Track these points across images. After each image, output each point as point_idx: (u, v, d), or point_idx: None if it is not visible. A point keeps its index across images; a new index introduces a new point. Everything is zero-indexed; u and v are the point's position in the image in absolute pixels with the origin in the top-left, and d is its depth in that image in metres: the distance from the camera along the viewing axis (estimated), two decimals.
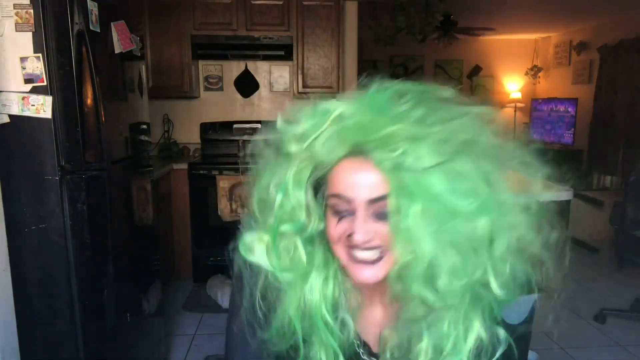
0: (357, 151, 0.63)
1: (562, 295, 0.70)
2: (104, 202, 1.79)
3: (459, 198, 0.58)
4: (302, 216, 0.68)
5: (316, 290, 0.70)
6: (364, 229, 0.63)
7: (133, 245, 2.11)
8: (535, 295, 0.84)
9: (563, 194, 2.30)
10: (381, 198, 0.62)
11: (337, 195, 0.65)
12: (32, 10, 1.58)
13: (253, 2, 3.57)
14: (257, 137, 0.74)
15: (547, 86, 6.82)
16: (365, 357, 0.76)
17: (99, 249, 1.78)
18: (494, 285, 0.61)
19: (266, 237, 0.69)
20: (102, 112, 1.73)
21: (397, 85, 0.65)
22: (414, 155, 0.59)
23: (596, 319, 2.95)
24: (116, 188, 1.93)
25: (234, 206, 3.44)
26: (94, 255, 1.76)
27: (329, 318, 0.70)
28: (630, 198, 2.98)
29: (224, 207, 3.42)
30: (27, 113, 1.62)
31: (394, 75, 0.68)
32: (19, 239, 1.69)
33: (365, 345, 0.77)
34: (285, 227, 0.68)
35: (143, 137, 2.27)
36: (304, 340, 0.72)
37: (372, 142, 0.61)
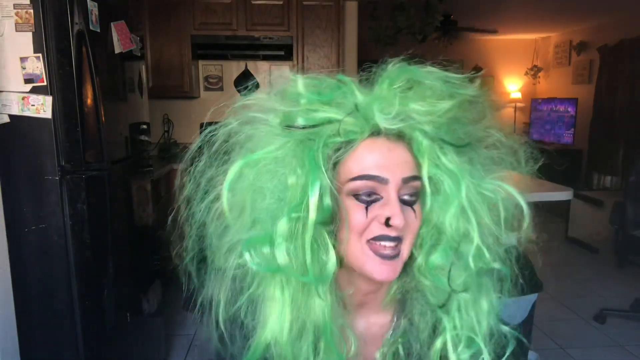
0: (382, 131, 0.58)
1: (557, 291, 0.71)
2: (104, 202, 1.79)
3: (480, 178, 0.60)
4: (327, 202, 0.56)
5: (316, 296, 0.59)
6: (400, 210, 0.57)
7: (133, 245, 2.11)
8: (535, 296, 0.84)
9: (563, 194, 2.31)
10: (412, 178, 0.58)
11: (368, 177, 0.57)
12: (32, 10, 1.58)
13: (253, 2, 3.57)
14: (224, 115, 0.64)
15: (547, 86, 6.82)
16: None
17: (99, 249, 1.78)
18: (496, 262, 0.61)
19: (284, 236, 0.55)
20: (102, 112, 1.73)
21: (424, 66, 0.61)
22: (451, 134, 0.58)
23: (596, 319, 2.95)
24: (116, 188, 1.93)
25: None
26: (94, 255, 1.76)
27: (335, 328, 0.60)
28: (630, 198, 2.98)
29: None
30: (27, 113, 1.62)
31: None
32: (19, 239, 1.69)
33: None
34: (314, 217, 0.55)
35: (143, 137, 2.27)
36: None
37: (422, 114, 0.57)
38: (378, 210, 0.58)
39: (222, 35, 3.60)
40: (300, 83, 0.60)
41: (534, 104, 6.45)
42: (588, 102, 5.63)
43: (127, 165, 2.04)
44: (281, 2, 3.58)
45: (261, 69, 4.05)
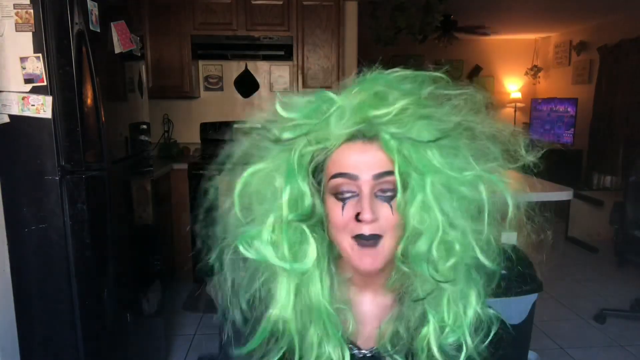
0: (358, 134, 0.65)
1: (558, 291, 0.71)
2: (104, 202, 1.79)
3: (457, 170, 0.63)
4: (308, 201, 0.67)
5: (316, 281, 0.68)
6: (371, 206, 0.63)
7: (133, 245, 2.11)
8: (535, 296, 0.84)
9: (563, 194, 2.31)
10: (385, 174, 0.64)
11: (340, 175, 0.65)
12: (32, 10, 1.58)
13: (253, 2, 3.57)
14: (235, 133, 0.74)
15: (547, 86, 6.82)
16: (353, 350, 0.74)
17: (99, 249, 1.78)
18: (481, 256, 0.64)
19: (269, 231, 0.66)
20: (102, 112, 1.73)
21: (396, 71, 0.68)
22: (417, 132, 0.62)
23: (596, 319, 2.95)
24: (116, 188, 1.93)
25: None
26: (94, 255, 1.76)
27: (331, 309, 0.68)
28: (630, 198, 2.98)
29: None
30: (27, 113, 1.62)
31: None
32: (19, 239, 1.70)
33: (351, 342, 0.75)
34: (292, 215, 0.66)
35: (143, 137, 2.27)
36: (300, 341, 0.69)
37: (381, 117, 0.63)
38: (352, 208, 0.65)
39: (222, 35, 3.60)
40: (278, 107, 0.68)
41: (534, 104, 6.45)
42: (588, 102, 5.63)
43: (127, 165, 2.04)
44: (281, 2, 3.58)
45: (261, 69, 4.05)
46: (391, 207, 0.64)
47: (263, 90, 4.07)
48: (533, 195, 2.45)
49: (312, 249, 0.67)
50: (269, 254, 0.66)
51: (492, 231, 0.65)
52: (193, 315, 3.05)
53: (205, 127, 3.92)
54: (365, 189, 0.64)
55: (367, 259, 0.65)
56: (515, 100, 6.91)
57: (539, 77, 6.98)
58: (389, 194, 0.64)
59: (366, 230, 0.64)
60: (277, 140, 0.67)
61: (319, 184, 0.68)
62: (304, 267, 0.67)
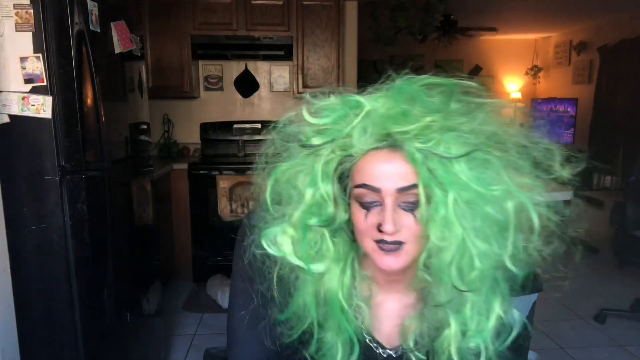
0: (385, 143, 0.65)
1: (565, 290, 0.71)
2: (104, 202, 1.79)
3: (485, 185, 0.62)
4: (330, 208, 0.68)
5: (334, 277, 0.71)
6: (393, 218, 0.64)
7: (133, 245, 2.11)
8: (535, 296, 0.85)
9: (563, 194, 2.30)
10: (409, 187, 0.64)
11: (364, 186, 0.66)
12: (32, 10, 1.58)
13: (253, 2, 3.57)
14: (270, 131, 0.74)
15: (547, 86, 6.82)
16: (377, 349, 0.77)
17: (99, 249, 1.78)
18: (509, 263, 0.64)
19: (292, 230, 0.69)
20: (102, 112, 1.73)
21: (425, 78, 0.66)
22: (444, 146, 0.62)
23: (596, 319, 2.95)
24: (116, 188, 1.92)
25: (234, 206, 3.44)
26: (94, 255, 1.76)
27: (345, 304, 0.71)
28: (630, 198, 2.98)
29: (224, 207, 3.42)
30: (27, 113, 1.62)
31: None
32: (19, 239, 1.69)
33: (374, 341, 0.78)
34: (314, 220, 0.68)
35: (143, 137, 2.27)
36: (319, 327, 0.72)
37: (405, 133, 0.63)
38: (375, 217, 0.66)
39: (222, 35, 3.60)
40: (305, 113, 0.70)
41: (534, 104, 6.45)
42: (588, 102, 5.63)
43: (127, 165, 2.04)
44: (281, 2, 3.58)
45: (261, 69, 4.05)
46: (415, 217, 0.65)
47: (263, 90, 4.07)
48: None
49: (329, 253, 0.70)
50: (288, 252, 0.70)
51: (518, 243, 0.64)
52: (193, 315, 3.05)
53: (205, 127, 3.91)
54: (388, 201, 0.64)
55: (389, 260, 0.67)
56: (515, 100, 6.91)
57: (539, 77, 6.98)
58: (412, 204, 0.65)
59: (388, 238, 0.66)
60: (305, 145, 0.69)
61: (344, 189, 0.69)
62: (319, 269, 0.70)
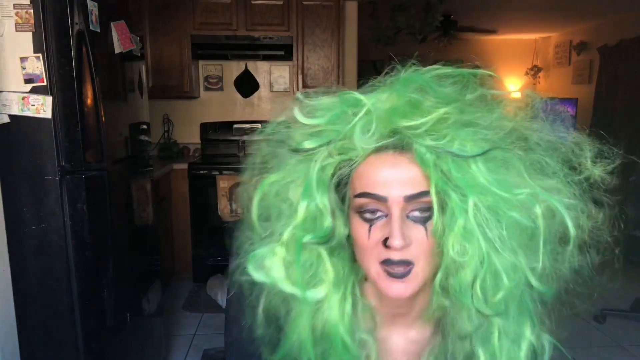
0: (390, 142, 0.55)
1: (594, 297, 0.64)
2: (104, 202, 1.79)
3: (508, 189, 0.52)
4: (328, 221, 0.57)
5: (334, 306, 0.59)
6: (402, 231, 0.53)
7: (133, 245, 2.11)
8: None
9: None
10: (419, 195, 0.54)
11: (366, 195, 0.55)
12: (32, 10, 1.58)
13: (253, 2, 3.57)
14: (256, 136, 0.65)
15: (547, 86, 6.82)
16: None
17: (99, 249, 1.78)
18: (536, 282, 0.55)
19: (283, 251, 0.58)
20: (102, 112, 1.73)
21: (436, 68, 0.57)
22: (459, 143, 0.52)
23: (596, 319, 2.95)
24: (116, 188, 1.92)
25: (234, 206, 3.44)
26: (94, 255, 1.76)
27: (348, 338, 0.59)
28: (630, 198, 2.98)
29: (223, 207, 3.42)
30: (27, 113, 1.62)
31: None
32: (19, 239, 1.69)
33: None
34: (309, 237, 0.57)
35: (143, 137, 2.27)
36: None
37: (414, 128, 0.53)
38: (381, 230, 0.56)
39: (222, 35, 3.60)
40: (296, 112, 0.60)
41: None
42: (588, 102, 5.63)
43: (127, 165, 2.04)
44: (281, 2, 3.58)
45: (261, 69, 4.05)
46: (426, 230, 0.55)
47: (263, 90, 4.07)
48: None
49: (328, 276, 0.59)
50: (279, 277, 0.58)
51: (548, 258, 0.55)
52: (193, 315, 3.05)
53: (205, 127, 3.91)
54: (396, 212, 0.54)
55: (397, 286, 0.56)
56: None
57: (539, 77, 6.98)
58: (423, 214, 0.55)
59: (395, 255, 0.55)
60: (296, 150, 0.58)
61: (342, 200, 0.59)
62: (317, 296, 0.58)
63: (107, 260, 1.83)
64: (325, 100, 0.60)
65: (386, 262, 0.55)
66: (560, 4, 4.70)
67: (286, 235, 0.58)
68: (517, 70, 7.02)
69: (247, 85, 4.03)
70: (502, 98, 0.58)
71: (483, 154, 0.52)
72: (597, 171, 0.58)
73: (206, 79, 4.05)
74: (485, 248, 0.52)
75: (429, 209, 0.54)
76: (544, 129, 0.57)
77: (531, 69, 6.98)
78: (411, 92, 0.54)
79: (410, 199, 0.54)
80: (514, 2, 4.65)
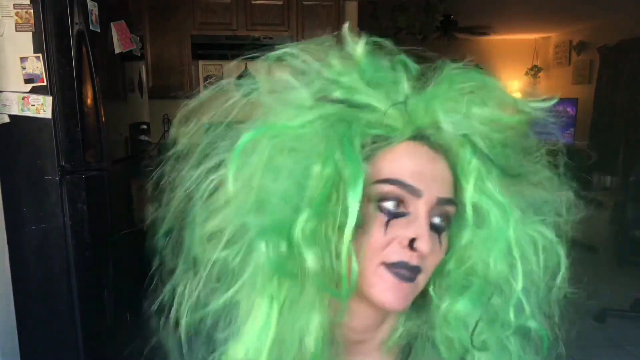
0: (424, 135, 0.49)
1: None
2: (104, 202, 1.79)
3: (530, 213, 0.49)
4: (356, 202, 0.44)
5: (314, 315, 0.46)
6: (430, 236, 0.46)
7: (133, 245, 2.11)
8: None
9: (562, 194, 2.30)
10: (449, 201, 0.48)
11: (396, 182, 0.46)
12: (32, 10, 1.58)
13: (253, 2, 3.57)
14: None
15: (547, 86, 6.82)
16: None
17: (99, 249, 1.78)
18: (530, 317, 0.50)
19: (307, 233, 0.43)
20: (102, 112, 1.73)
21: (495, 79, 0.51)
22: (503, 159, 0.48)
23: (596, 319, 2.95)
24: (116, 188, 1.92)
25: None
26: (94, 255, 1.76)
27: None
28: (630, 198, 2.98)
29: None
30: (27, 113, 1.62)
31: None
32: (19, 239, 1.69)
33: None
34: (354, 222, 0.44)
35: (143, 137, 2.27)
36: None
37: (478, 123, 0.47)
38: (400, 229, 0.46)
39: (222, 35, 3.60)
40: (358, 49, 0.48)
41: None
42: (588, 102, 5.63)
43: (127, 165, 2.04)
44: (281, 2, 3.58)
45: (261, 69, 4.04)
46: (440, 241, 0.48)
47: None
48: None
49: (354, 273, 0.46)
50: (315, 271, 0.44)
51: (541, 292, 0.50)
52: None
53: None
54: (424, 211, 0.46)
55: (399, 294, 0.46)
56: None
57: (539, 77, 6.98)
58: (444, 223, 0.48)
59: (414, 260, 0.46)
60: (323, 98, 0.46)
61: None
62: (349, 296, 0.46)
63: (107, 260, 1.83)
64: (379, 60, 0.50)
65: (398, 265, 0.46)
66: (560, 4, 4.71)
67: (311, 214, 0.43)
68: (517, 70, 7.02)
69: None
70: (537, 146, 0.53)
71: (517, 175, 0.48)
72: (570, 217, 0.53)
73: (206, 79, 4.04)
74: (520, 268, 0.47)
75: (447, 219, 0.48)
76: (540, 171, 0.53)
77: (531, 69, 6.99)
78: (473, 87, 0.48)
79: (441, 202, 0.47)
80: (514, 2, 4.65)
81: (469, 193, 0.48)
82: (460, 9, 4.65)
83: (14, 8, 1.58)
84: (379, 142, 0.47)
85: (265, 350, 0.46)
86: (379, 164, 0.47)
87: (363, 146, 0.46)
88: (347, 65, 0.48)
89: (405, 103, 0.47)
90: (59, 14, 1.61)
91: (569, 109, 5.72)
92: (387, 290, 0.46)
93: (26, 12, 1.58)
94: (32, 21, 1.59)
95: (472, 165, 0.47)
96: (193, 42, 3.61)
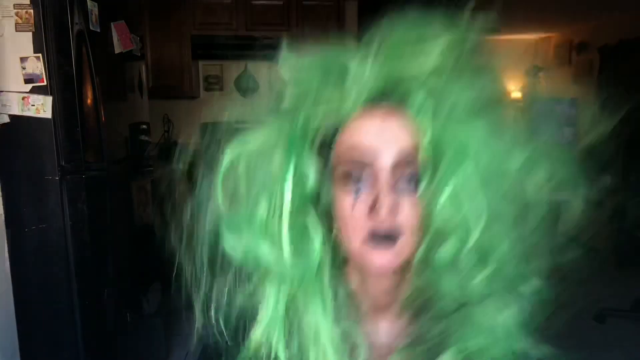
0: (378, 99, 0.50)
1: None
2: (104, 202, 1.79)
3: (506, 151, 0.48)
4: (311, 183, 0.51)
5: (316, 296, 0.52)
6: (390, 200, 0.48)
7: (133, 245, 2.11)
8: None
9: (562, 193, 2.30)
10: (410, 159, 0.49)
11: (352, 159, 0.50)
12: (32, 10, 1.58)
13: (253, 2, 3.57)
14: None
15: (547, 86, 6.82)
16: None
17: (99, 249, 1.78)
18: (526, 268, 0.51)
19: (263, 217, 0.51)
20: (102, 112, 1.73)
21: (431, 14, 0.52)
22: (461, 96, 0.48)
23: (596, 319, 2.95)
24: (116, 188, 1.92)
25: None
26: (94, 255, 1.76)
27: (335, 335, 0.52)
28: (630, 198, 2.98)
29: None
30: (27, 113, 1.62)
31: None
32: (19, 239, 1.69)
33: None
34: (296, 199, 0.50)
35: (143, 137, 2.27)
36: None
37: (413, 78, 0.49)
38: (367, 200, 0.49)
39: (222, 35, 3.60)
40: (281, 67, 0.56)
41: None
42: (588, 102, 5.63)
43: (127, 165, 2.04)
44: (281, 2, 3.58)
45: (261, 69, 4.04)
46: (414, 200, 0.49)
47: (263, 91, 4.07)
48: None
49: (315, 247, 0.52)
50: (264, 251, 0.50)
51: (542, 237, 0.50)
52: (193, 315, 3.05)
53: (205, 127, 3.91)
54: (383, 177, 0.48)
55: (382, 256, 0.50)
56: (515, 100, 6.91)
57: (539, 77, 6.98)
58: (413, 181, 0.49)
59: (382, 225, 0.49)
60: (276, 109, 0.53)
61: (324, 165, 0.53)
62: (309, 269, 0.52)
63: (107, 260, 1.83)
64: (309, 58, 0.55)
65: (372, 234, 0.50)
66: (560, 4, 4.70)
67: (268, 202, 0.50)
68: (517, 70, 7.01)
69: (247, 85, 4.03)
70: (493, 47, 0.55)
71: (487, 108, 0.48)
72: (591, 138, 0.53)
73: (206, 79, 4.04)
74: (475, 214, 0.47)
75: (417, 178, 0.49)
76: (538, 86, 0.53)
77: (531, 69, 6.99)
78: (408, 38, 0.50)
79: (398, 166, 0.49)
80: (514, 2, 4.65)
81: (427, 138, 0.48)
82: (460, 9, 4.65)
83: (14, 8, 1.58)
84: (333, 124, 0.52)
85: (275, 331, 0.53)
86: (339, 144, 0.52)
87: (316, 134, 0.52)
88: (287, 72, 0.55)
89: (340, 81, 0.51)
90: (59, 14, 1.61)
91: (568, 109, 5.72)
92: (371, 258, 0.51)
93: (26, 12, 1.58)
94: (32, 21, 1.59)
95: (423, 113, 0.48)
96: (193, 42, 3.61)
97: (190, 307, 0.57)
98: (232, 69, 4.03)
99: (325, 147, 0.53)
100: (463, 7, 0.53)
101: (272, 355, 0.53)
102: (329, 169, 0.53)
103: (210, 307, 0.57)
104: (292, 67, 0.55)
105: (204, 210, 0.56)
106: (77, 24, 1.63)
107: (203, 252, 0.56)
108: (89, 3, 1.68)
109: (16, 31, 1.59)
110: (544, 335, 0.56)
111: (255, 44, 3.65)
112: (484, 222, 0.47)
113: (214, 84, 4.05)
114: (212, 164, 0.56)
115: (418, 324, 0.56)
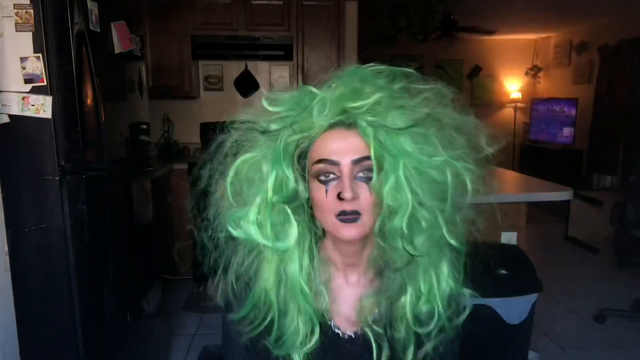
0: (340, 119, 0.72)
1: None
2: (104, 202, 1.79)
3: (427, 155, 0.69)
4: (292, 184, 0.74)
5: (295, 259, 0.76)
6: (351, 187, 0.71)
7: (133, 245, 2.11)
8: (535, 296, 0.85)
9: (563, 194, 2.30)
10: (363, 159, 0.71)
11: (323, 161, 0.72)
12: (32, 10, 1.58)
13: (253, 2, 3.57)
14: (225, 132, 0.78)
15: (547, 86, 6.82)
16: (337, 330, 0.82)
17: (99, 249, 1.78)
18: (447, 234, 0.72)
19: (255, 211, 0.73)
20: (102, 112, 1.73)
21: (372, 65, 0.75)
22: (391, 120, 0.70)
23: (596, 319, 2.95)
24: (116, 188, 1.92)
25: None
26: (94, 255, 1.76)
27: (305, 287, 0.76)
28: (630, 198, 2.98)
29: None
30: (27, 113, 1.62)
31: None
32: (19, 239, 1.69)
33: (335, 325, 0.82)
34: (277, 197, 0.73)
35: (143, 137, 2.27)
36: (279, 313, 0.77)
37: (358, 109, 0.70)
38: (335, 189, 0.72)
39: (222, 35, 3.60)
40: (264, 101, 0.76)
41: (534, 104, 6.45)
42: (588, 102, 5.63)
43: (127, 165, 2.04)
44: (281, 2, 3.58)
45: (261, 69, 4.05)
46: (369, 187, 0.71)
47: (263, 90, 4.07)
48: (534, 195, 2.45)
49: (293, 230, 0.75)
50: (254, 233, 0.73)
51: (456, 212, 0.72)
52: (193, 315, 3.05)
53: (205, 127, 3.91)
54: (346, 172, 0.71)
55: (349, 229, 0.72)
56: (515, 100, 6.91)
57: (539, 77, 6.98)
58: (367, 176, 0.71)
59: (347, 207, 0.71)
60: (265, 132, 0.74)
61: (303, 169, 0.75)
62: (285, 246, 0.75)
63: (107, 260, 1.83)
64: (287, 94, 0.76)
65: (341, 214, 0.72)
66: (560, 4, 4.70)
67: (259, 198, 0.73)
68: (517, 70, 7.02)
69: (247, 85, 4.03)
70: (421, 90, 0.74)
71: (408, 127, 0.69)
72: (490, 150, 0.74)
73: (206, 79, 4.05)
74: (410, 196, 0.69)
75: (370, 170, 0.71)
76: (451, 114, 0.74)
77: (531, 69, 6.98)
78: (355, 83, 0.72)
79: (356, 162, 0.71)
80: (514, 2, 4.65)
81: (371, 150, 0.70)
82: (460, 9, 4.65)
83: (14, 8, 1.58)
84: (307, 140, 0.74)
85: (271, 283, 0.77)
86: (313, 153, 0.74)
87: (296, 147, 0.75)
88: (269, 105, 0.76)
89: (306, 113, 0.73)
90: (59, 14, 1.60)
91: (569, 109, 5.72)
92: (340, 231, 0.73)
93: (26, 12, 1.58)
94: (32, 21, 1.59)
95: (367, 131, 0.70)
96: (193, 42, 3.61)
97: (214, 273, 0.82)
98: (232, 69, 4.03)
99: (302, 157, 0.75)
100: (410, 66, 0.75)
101: (267, 302, 0.77)
102: (307, 171, 0.74)
103: (228, 269, 0.80)
104: (274, 102, 0.75)
105: (220, 206, 0.77)
106: (77, 24, 1.63)
107: (222, 234, 0.78)
108: (89, 3, 1.68)
109: (16, 31, 1.59)
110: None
111: (255, 44, 3.65)
112: (418, 201, 0.69)
113: (214, 84, 4.05)
114: (224, 175, 0.77)
115: (381, 276, 0.78)
